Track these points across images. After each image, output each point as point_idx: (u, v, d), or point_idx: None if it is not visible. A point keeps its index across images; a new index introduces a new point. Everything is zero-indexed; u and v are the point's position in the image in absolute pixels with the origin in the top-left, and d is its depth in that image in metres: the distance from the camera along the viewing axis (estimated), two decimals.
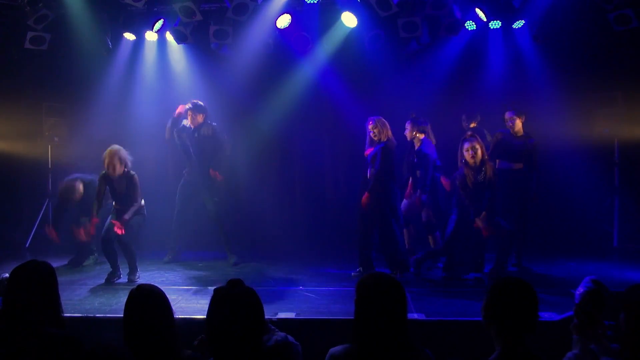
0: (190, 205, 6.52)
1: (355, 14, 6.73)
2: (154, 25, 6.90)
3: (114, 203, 5.64)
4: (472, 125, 6.72)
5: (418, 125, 6.01)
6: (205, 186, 6.28)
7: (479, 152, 5.20)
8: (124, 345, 2.17)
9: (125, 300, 2.28)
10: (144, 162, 7.22)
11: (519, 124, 5.96)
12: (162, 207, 7.08)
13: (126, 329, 2.22)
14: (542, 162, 7.20)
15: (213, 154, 6.24)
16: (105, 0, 6.85)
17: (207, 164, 6.20)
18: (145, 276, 5.67)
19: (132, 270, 5.56)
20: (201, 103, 6.27)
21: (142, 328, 2.18)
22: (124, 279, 5.51)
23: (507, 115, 6.01)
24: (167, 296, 2.32)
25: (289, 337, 2.32)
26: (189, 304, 4.51)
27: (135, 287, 2.33)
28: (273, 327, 2.48)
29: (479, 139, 5.31)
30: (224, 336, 1.95)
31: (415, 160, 5.89)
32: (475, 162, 5.20)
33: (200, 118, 6.24)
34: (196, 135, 6.25)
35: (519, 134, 5.98)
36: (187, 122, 6.27)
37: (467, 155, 5.20)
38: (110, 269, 5.49)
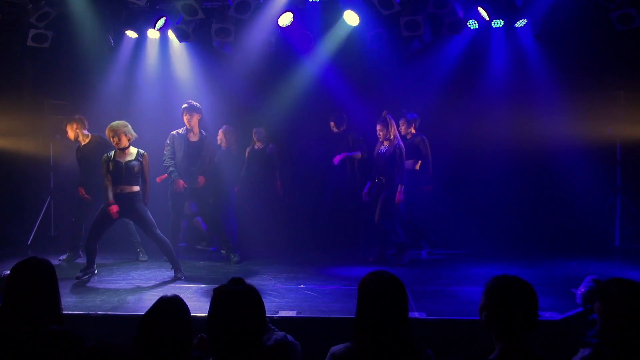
0: (184, 204, 6.53)
1: (357, 13, 6.72)
2: (156, 23, 6.90)
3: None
4: (338, 129, 6.90)
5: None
6: (196, 191, 6.29)
7: (383, 132, 6.19)
8: (127, 342, 2.14)
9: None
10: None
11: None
12: (163, 205, 7.09)
13: (141, 334, 2.10)
14: (544, 161, 7.24)
15: (202, 162, 6.27)
16: None
17: (193, 170, 6.22)
18: (147, 274, 5.67)
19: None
20: (196, 104, 6.26)
21: (158, 344, 2.07)
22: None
23: (415, 117, 6.65)
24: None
25: (289, 336, 2.32)
26: (190, 302, 4.45)
27: (163, 298, 2.20)
28: (273, 327, 2.48)
29: (389, 121, 6.13)
30: (225, 335, 1.95)
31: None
32: (381, 138, 6.24)
33: (196, 119, 6.23)
34: (188, 139, 6.25)
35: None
36: (181, 131, 6.28)
37: (379, 135, 6.25)
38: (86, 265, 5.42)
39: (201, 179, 6.23)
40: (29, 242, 7.19)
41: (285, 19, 6.81)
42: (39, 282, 2.42)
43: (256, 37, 7.01)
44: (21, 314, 2.31)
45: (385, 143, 6.22)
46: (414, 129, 6.65)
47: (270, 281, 5.32)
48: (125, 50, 7.54)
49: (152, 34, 7.28)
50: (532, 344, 2.09)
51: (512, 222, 7.17)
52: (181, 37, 7.02)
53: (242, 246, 6.66)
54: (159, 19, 6.88)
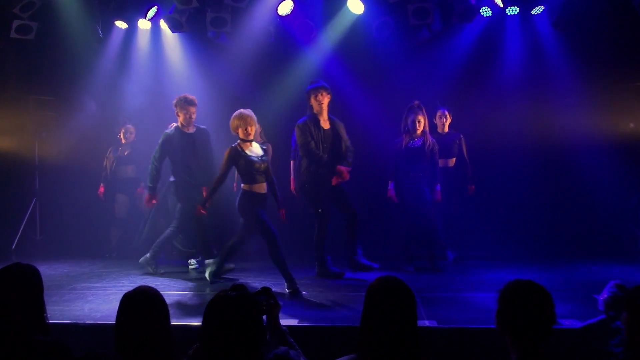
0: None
1: (362, 0, 6.72)
2: (147, 12, 6.91)
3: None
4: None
5: None
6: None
7: (422, 123, 6.03)
8: (115, 352, 2.17)
9: (117, 306, 2.28)
10: (136, 156, 7.25)
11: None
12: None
13: (118, 334, 2.21)
14: (562, 158, 7.21)
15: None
16: None
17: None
18: (139, 281, 5.68)
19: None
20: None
21: (136, 333, 2.17)
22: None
23: (442, 111, 6.56)
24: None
25: (292, 352, 2.31)
26: (185, 310, 4.52)
27: (132, 289, 2.32)
28: (291, 340, 2.48)
29: (424, 111, 6.02)
30: (219, 345, 1.95)
31: None
32: (419, 131, 6.03)
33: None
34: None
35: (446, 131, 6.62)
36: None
37: (411, 126, 6.03)
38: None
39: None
40: (13, 247, 7.19)
41: (285, 7, 6.81)
42: (23, 289, 2.42)
43: (254, 26, 7.01)
44: (4, 323, 2.30)
45: (416, 136, 6.07)
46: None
47: (270, 287, 5.31)
48: (115, 41, 7.55)
49: (143, 24, 7.29)
50: (552, 354, 2.08)
51: (529, 223, 7.16)
52: (174, 27, 7.02)
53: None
54: (150, 8, 6.89)
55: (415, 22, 6.62)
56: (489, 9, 6.99)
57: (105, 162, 7.30)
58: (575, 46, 7.15)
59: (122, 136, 7.26)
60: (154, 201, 5.94)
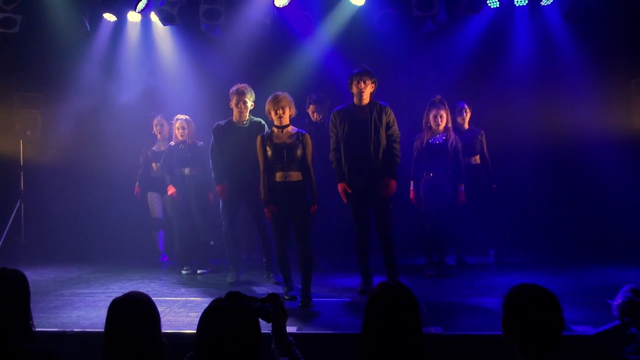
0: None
1: None
2: (137, 4, 6.90)
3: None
4: (318, 117, 6.43)
5: None
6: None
7: (445, 118, 5.96)
8: None
9: (106, 313, 2.28)
10: (126, 156, 7.25)
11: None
12: (146, 207, 7.10)
13: (107, 342, 2.22)
14: (575, 156, 7.20)
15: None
16: None
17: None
18: (129, 286, 5.69)
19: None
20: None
21: (125, 341, 2.18)
22: None
23: (461, 106, 6.50)
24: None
25: None
26: (178, 317, 4.52)
27: (121, 294, 2.32)
28: (297, 352, 2.48)
29: (446, 106, 5.98)
30: (213, 354, 1.95)
31: None
32: (441, 127, 5.97)
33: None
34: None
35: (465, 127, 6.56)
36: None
37: (432, 122, 5.97)
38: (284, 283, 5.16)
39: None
40: None
41: None
42: (9, 295, 2.42)
43: (249, 19, 7.01)
44: None
45: (438, 132, 5.96)
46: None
47: (267, 292, 5.31)
48: (103, 35, 7.55)
49: (133, 16, 7.30)
50: None
51: (539, 224, 7.16)
52: (165, 20, 7.03)
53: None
54: (140, 0, 6.89)
55: (419, 14, 6.62)
56: (496, 0, 6.99)
57: (140, 160, 7.11)
58: (587, 38, 7.15)
59: (155, 131, 6.97)
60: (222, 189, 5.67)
